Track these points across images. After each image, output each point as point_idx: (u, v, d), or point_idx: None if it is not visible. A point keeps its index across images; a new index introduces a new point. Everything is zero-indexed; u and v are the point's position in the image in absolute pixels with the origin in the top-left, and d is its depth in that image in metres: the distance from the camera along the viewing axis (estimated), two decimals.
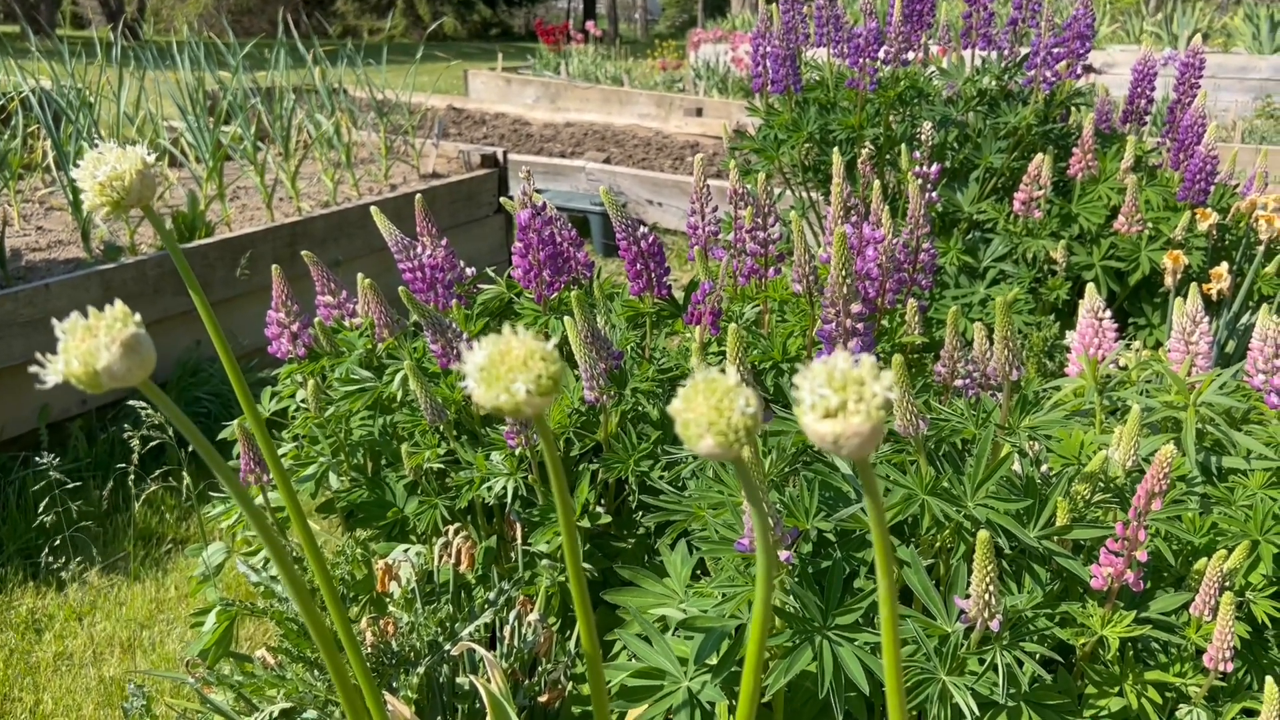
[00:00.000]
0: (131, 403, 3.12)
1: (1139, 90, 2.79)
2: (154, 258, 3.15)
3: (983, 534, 1.02)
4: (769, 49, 2.65)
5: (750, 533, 1.14)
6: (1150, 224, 2.54)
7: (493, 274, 1.87)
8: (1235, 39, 9.22)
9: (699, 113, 7.26)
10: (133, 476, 2.60)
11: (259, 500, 1.53)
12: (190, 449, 3.02)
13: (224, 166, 4.24)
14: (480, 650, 1.13)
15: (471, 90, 9.13)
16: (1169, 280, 2.42)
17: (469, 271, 1.70)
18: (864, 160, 1.84)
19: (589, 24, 10.35)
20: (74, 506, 2.62)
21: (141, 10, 19.01)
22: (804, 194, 2.94)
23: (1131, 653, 1.29)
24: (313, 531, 2.26)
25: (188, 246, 3.28)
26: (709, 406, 0.55)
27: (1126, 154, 2.60)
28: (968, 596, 1.09)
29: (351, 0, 19.93)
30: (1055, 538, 1.24)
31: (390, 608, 1.39)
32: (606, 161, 6.21)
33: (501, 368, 0.55)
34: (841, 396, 0.52)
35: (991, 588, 1.05)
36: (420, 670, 1.15)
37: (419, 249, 1.63)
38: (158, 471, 2.68)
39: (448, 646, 1.21)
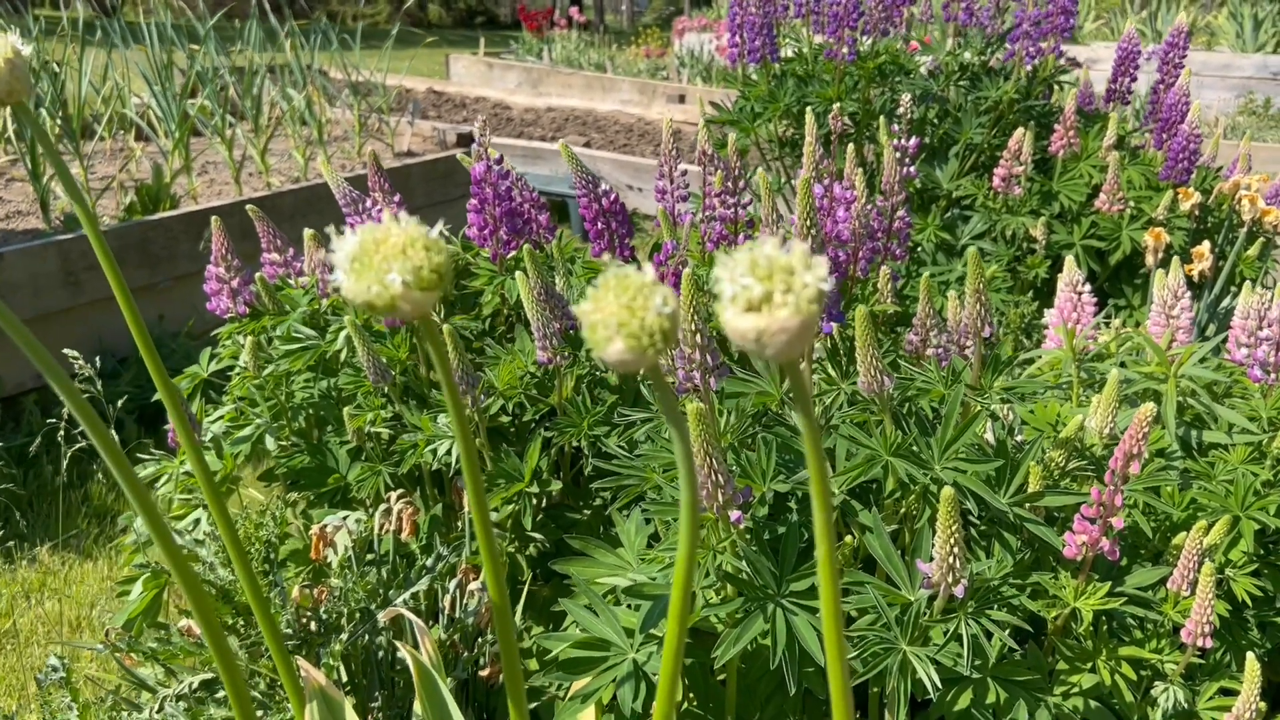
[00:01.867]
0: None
1: (1122, 69, 2.73)
2: (115, 229, 3.06)
3: (947, 491, 0.95)
4: (746, 17, 2.59)
5: (701, 492, 1.06)
6: (1132, 203, 2.48)
7: (448, 234, 1.79)
8: (1219, 37, 9.20)
9: (682, 100, 7.20)
10: (60, 451, 2.49)
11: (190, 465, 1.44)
12: (149, 417, 2.94)
13: (192, 141, 4.14)
14: (410, 616, 1.05)
15: (453, 74, 9.03)
16: (1150, 259, 2.36)
17: None
18: (835, 115, 1.77)
19: (574, 10, 10.25)
20: (29, 479, 2.53)
21: None
22: (781, 171, 2.87)
23: (1106, 627, 1.23)
24: (254, 499, 2.17)
25: (151, 219, 3.19)
26: (620, 305, 0.48)
27: (1109, 131, 2.54)
28: (932, 560, 1.01)
29: None
30: (1027, 504, 1.17)
31: (332, 578, 1.32)
32: (587, 146, 6.13)
33: (376, 256, 0.48)
34: (767, 287, 0.45)
35: (956, 549, 0.98)
36: (343, 638, 1.08)
37: (368, 203, 1.55)
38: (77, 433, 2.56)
39: (379, 615, 1.14)
